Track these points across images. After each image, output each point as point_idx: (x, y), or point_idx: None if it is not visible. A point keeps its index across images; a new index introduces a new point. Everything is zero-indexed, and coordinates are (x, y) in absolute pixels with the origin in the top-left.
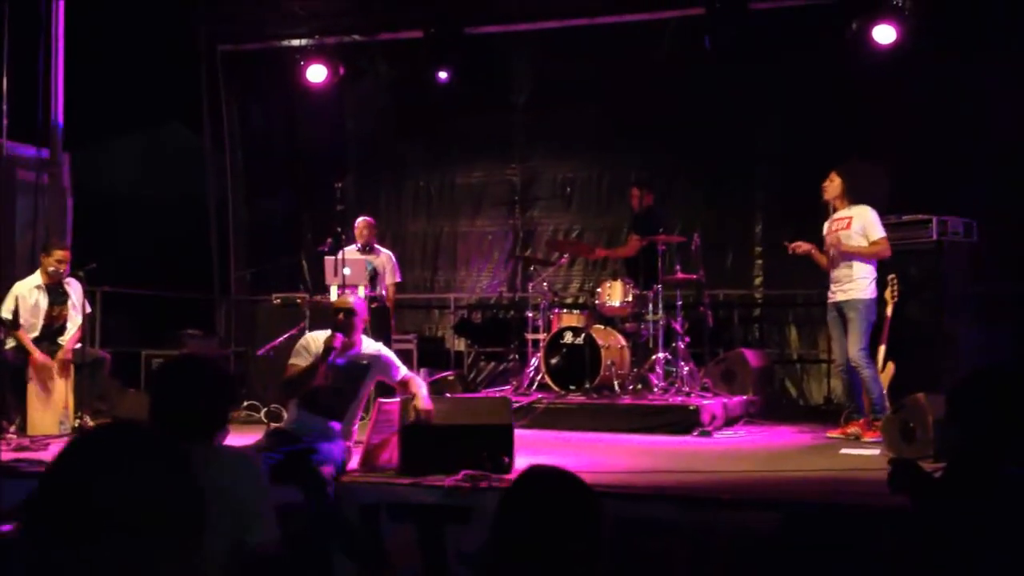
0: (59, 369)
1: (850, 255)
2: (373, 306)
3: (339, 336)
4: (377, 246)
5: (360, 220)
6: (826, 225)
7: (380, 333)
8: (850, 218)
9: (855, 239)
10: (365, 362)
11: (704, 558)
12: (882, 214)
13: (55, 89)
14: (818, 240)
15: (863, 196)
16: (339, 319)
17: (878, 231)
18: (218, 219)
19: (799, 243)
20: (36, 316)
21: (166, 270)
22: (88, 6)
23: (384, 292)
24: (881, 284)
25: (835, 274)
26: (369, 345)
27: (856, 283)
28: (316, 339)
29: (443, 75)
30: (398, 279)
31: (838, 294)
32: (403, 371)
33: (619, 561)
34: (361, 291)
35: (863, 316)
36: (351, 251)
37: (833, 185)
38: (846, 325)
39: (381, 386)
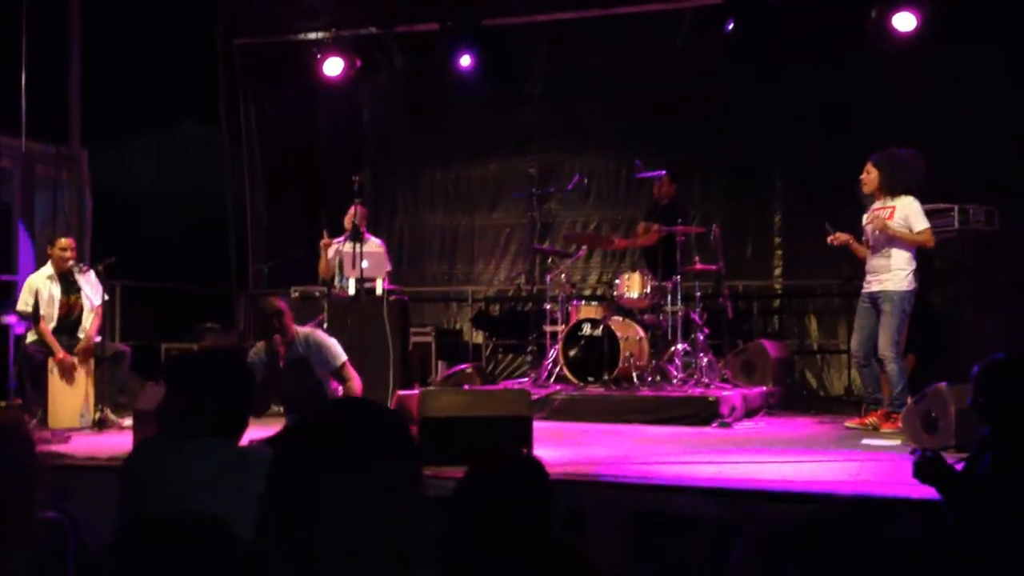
0: (80, 360)
1: (891, 243)
2: (391, 299)
3: (277, 338)
4: (368, 235)
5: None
6: (865, 216)
7: (402, 327)
8: (893, 208)
9: (896, 229)
10: (301, 351)
11: (724, 550)
12: (922, 202)
13: (72, 85)
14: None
15: (903, 186)
16: (275, 324)
17: (921, 222)
18: (235, 213)
19: (838, 234)
20: (52, 307)
21: (184, 264)
22: (105, 2)
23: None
24: None
25: (872, 264)
26: (302, 335)
27: (894, 274)
28: (258, 351)
29: (466, 61)
30: (389, 268)
31: (873, 284)
32: (342, 358)
33: (638, 553)
34: (379, 284)
35: (898, 308)
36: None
37: (871, 177)
38: (879, 316)
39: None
